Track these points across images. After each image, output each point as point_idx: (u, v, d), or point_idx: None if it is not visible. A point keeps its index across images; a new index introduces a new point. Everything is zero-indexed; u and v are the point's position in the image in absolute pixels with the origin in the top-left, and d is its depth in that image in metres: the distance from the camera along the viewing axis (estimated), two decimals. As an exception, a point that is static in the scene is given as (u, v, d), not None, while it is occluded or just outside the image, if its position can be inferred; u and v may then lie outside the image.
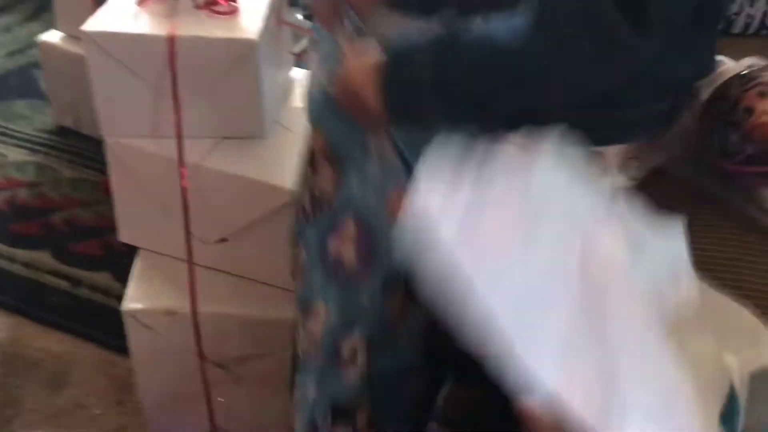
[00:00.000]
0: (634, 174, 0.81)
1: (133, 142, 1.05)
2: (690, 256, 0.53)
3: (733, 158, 0.78)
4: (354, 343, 0.85)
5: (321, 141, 0.84)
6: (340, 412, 0.89)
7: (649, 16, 0.55)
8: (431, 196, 0.52)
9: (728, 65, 0.84)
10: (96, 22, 1.00)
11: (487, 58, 0.61)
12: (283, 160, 1.04)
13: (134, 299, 1.09)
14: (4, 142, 1.79)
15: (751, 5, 1.13)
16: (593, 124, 0.78)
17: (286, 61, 1.18)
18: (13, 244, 1.53)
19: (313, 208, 0.86)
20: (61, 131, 1.81)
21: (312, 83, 0.88)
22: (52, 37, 1.70)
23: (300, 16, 1.67)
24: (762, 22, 1.13)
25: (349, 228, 0.81)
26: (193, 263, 1.06)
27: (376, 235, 0.80)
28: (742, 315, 0.59)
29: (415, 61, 0.64)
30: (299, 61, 1.44)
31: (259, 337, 1.11)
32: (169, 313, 1.08)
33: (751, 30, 1.14)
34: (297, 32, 1.33)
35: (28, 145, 1.78)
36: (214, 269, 1.12)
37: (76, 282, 1.45)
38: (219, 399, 1.14)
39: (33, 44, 1.86)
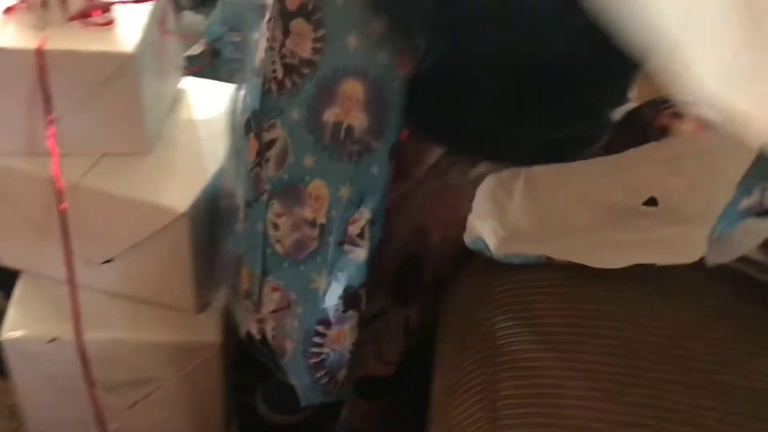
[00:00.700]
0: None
1: (7, 161, 0.99)
2: None
3: None
4: (363, 219, 0.80)
5: None
6: (350, 296, 0.84)
7: None
8: None
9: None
10: (-42, 35, 0.94)
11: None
12: (168, 177, 1.00)
13: (14, 326, 1.03)
14: None
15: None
16: (517, 140, 0.80)
17: (173, 71, 1.13)
18: None
19: (291, 78, 0.78)
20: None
21: None
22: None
23: (194, 17, 1.62)
24: None
25: (355, 91, 0.75)
26: (76, 286, 1.00)
27: (388, 93, 0.76)
28: None
29: None
30: (198, 62, 1.39)
31: (152, 360, 1.06)
32: (53, 340, 1.03)
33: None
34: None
35: None
36: (102, 291, 1.07)
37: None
38: (112, 426, 1.10)
39: None
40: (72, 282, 1.00)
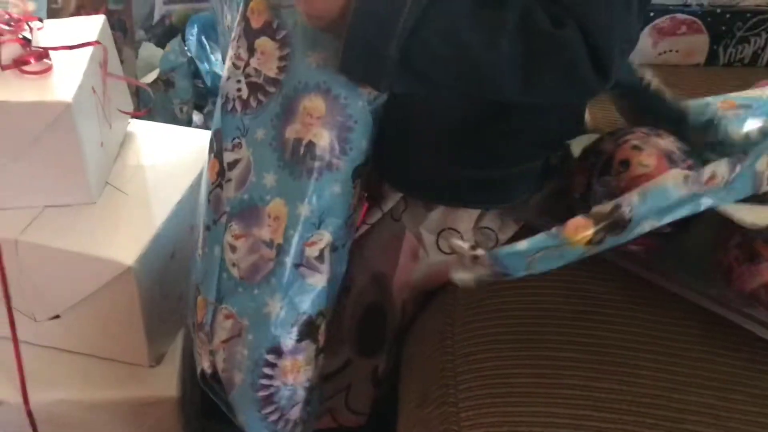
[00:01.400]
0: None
1: (-57, 217, 0.94)
2: None
3: None
4: (322, 241, 0.76)
5: (264, 17, 0.75)
6: (306, 324, 0.79)
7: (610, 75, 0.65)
8: None
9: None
10: None
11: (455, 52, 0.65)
12: (114, 228, 0.96)
13: (-45, 390, 0.98)
14: None
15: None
16: (461, 181, 0.77)
17: (118, 116, 1.09)
18: None
19: (256, 97, 0.76)
20: None
21: None
22: None
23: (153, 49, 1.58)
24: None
25: (316, 107, 0.73)
26: (19, 345, 0.96)
27: (352, 111, 0.73)
28: None
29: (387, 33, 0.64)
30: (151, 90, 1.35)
31: (106, 420, 1.01)
32: (-2, 403, 0.97)
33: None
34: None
35: None
36: (50, 348, 1.02)
37: None
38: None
39: None
40: (15, 341, 0.95)
